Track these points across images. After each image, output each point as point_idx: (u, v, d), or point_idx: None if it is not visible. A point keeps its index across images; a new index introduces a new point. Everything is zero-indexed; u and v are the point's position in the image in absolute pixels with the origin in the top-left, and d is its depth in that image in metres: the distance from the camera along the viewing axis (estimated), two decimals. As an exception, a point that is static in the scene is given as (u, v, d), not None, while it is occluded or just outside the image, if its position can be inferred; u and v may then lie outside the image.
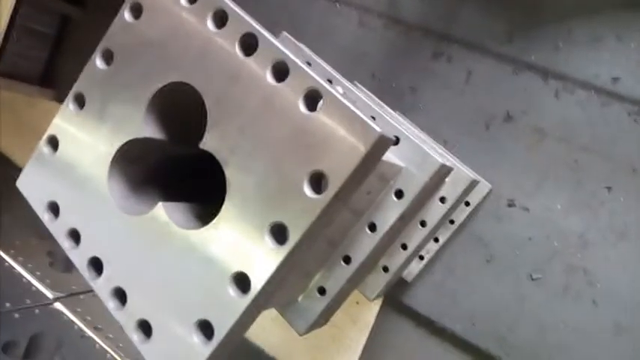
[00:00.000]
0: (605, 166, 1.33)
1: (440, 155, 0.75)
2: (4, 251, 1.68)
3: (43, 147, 0.59)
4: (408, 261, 1.10)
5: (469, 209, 1.39)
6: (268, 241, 0.47)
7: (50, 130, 0.59)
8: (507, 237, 1.41)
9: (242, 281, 0.48)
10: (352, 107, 0.45)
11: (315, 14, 1.67)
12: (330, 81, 0.78)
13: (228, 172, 0.49)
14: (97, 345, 1.48)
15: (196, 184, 0.57)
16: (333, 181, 0.45)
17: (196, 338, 0.49)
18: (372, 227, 0.74)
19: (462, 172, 1.05)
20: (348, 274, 0.75)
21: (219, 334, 0.48)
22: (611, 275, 1.31)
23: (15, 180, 0.61)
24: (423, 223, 1.08)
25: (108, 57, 0.56)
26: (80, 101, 0.57)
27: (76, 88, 0.58)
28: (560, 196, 1.37)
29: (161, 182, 0.61)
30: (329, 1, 1.67)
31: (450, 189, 1.06)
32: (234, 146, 0.49)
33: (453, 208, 1.10)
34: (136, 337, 0.52)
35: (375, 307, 1.55)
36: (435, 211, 1.07)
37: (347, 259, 0.76)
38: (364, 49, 1.60)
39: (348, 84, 0.85)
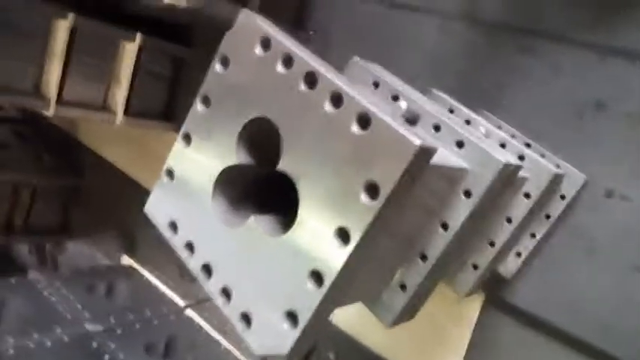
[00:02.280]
0: None
1: (504, 154, 0.80)
2: (141, 267, 1.95)
3: (163, 177, 0.74)
4: (497, 258, 1.14)
5: (565, 202, 1.38)
6: (335, 242, 0.57)
7: (167, 164, 0.74)
8: (607, 228, 1.38)
9: (317, 276, 0.58)
10: (395, 125, 0.54)
11: (398, 25, 1.75)
12: (396, 97, 0.87)
13: (300, 187, 0.60)
14: (223, 347, 1.67)
15: (280, 197, 0.68)
16: (384, 188, 0.54)
17: (285, 325, 0.60)
18: (445, 226, 0.81)
19: (545, 167, 1.07)
20: (425, 271, 0.83)
21: (303, 321, 0.58)
22: None
23: (144, 203, 0.77)
24: (509, 220, 1.11)
25: (206, 101, 0.70)
26: (187, 139, 0.72)
27: (184, 129, 0.72)
28: (663, 183, 1.31)
29: (254, 198, 0.73)
30: (410, 10, 1.74)
31: (534, 184, 1.08)
32: (303, 166, 0.60)
33: (541, 202, 1.12)
34: (240, 326, 0.64)
35: (477, 305, 1.58)
36: (519, 207, 1.10)
37: (423, 257, 0.83)
38: (448, 53, 1.64)
39: (418, 95, 0.93)
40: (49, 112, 1.82)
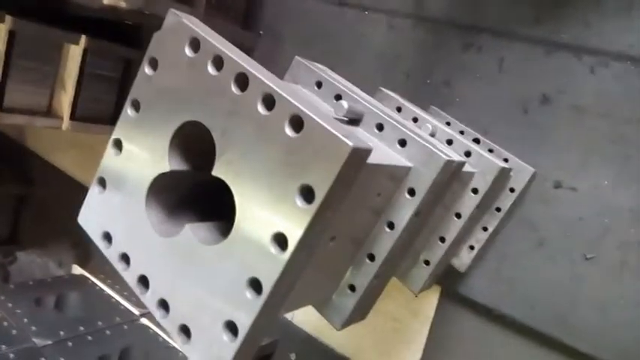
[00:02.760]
0: (652, 136, 1.30)
1: (447, 151, 0.80)
2: (94, 276, 1.88)
3: (95, 187, 0.71)
4: (448, 253, 1.15)
5: (514, 195, 1.40)
6: (272, 248, 0.55)
7: (99, 172, 0.71)
8: (557, 219, 1.41)
9: (256, 284, 0.56)
10: (328, 126, 0.53)
11: (347, 25, 1.75)
12: (339, 96, 0.86)
13: (236, 193, 0.58)
14: (181, 354, 1.62)
15: (219, 204, 0.66)
16: (319, 192, 0.53)
17: (225, 337, 0.58)
18: (391, 225, 0.81)
19: (491, 162, 1.08)
20: (374, 271, 0.82)
21: (243, 331, 0.57)
22: (669, 247, 1.28)
23: None
24: (458, 215, 1.12)
25: (136, 106, 0.67)
26: (119, 145, 0.69)
27: (114, 135, 0.69)
28: (607, 172, 1.35)
29: (191, 205, 0.71)
30: (358, 9, 1.74)
31: (481, 179, 1.09)
32: (238, 170, 0.58)
33: (489, 197, 1.13)
34: (179, 340, 0.62)
35: (434, 299, 1.59)
36: (467, 203, 1.10)
37: (371, 257, 0.82)
38: (396, 51, 1.65)
39: (362, 94, 0.92)
40: (-11, 119, 1.73)
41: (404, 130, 0.80)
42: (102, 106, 2.14)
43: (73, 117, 1.97)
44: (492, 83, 1.50)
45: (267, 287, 0.55)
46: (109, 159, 0.70)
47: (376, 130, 0.82)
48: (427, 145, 0.78)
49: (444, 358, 1.60)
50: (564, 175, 1.41)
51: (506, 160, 1.40)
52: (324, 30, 1.78)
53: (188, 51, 0.62)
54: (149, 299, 0.64)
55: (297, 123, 0.55)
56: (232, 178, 0.59)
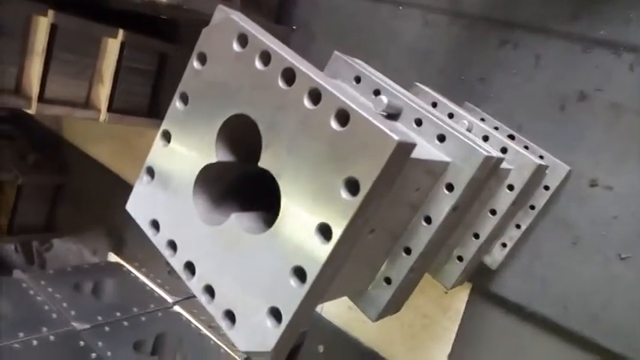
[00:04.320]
0: (692, 134, 1.27)
1: (486, 147, 0.80)
2: (129, 264, 1.94)
3: (143, 176, 0.74)
4: (481, 250, 1.15)
5: (549, 193, 1.39)
6: (317, 239, 0.57)
7: (147, 162, 0.73)
8: (592, 217, 1.39)
9: (300, 273, 0.58)
10: (374, 120, 0.54)
11: (381, 20, 1.75)
12: (377, 92, 0.87)
13: (281, 184, 0.60)
14: (212, 341, 1.66)
15: (264, 194, 0.68)
16: (364, 184, 0.54)
17: (269, 323, 0.60)
18: (428, 220, 0.81)
19: (527, 159, 1.08)
20: (410, 264, 0.83)
21: (286, 318, 0.58)
22: None
23: None
24: (492, 212, 1.12)
25: (184, 99, 0.70)
26: (167, 137, 0.71)
27: (163, 127, 0.72)
28: (645, 171, 1.33)
29: (236, 195, 0.73)
30: (392, 4, 1.74)
31: (517, 176, 1.09)
32: (284, 162, 0.60)
33: (524, 194, 1.13)
34: (224, 324, 0.64)
35: (464, 296, 1.59)
36: (503, 199, 1.10)
37: (407, 250, 0.83)
38: (431, 46, 1.64)
39: (400, 89, 0.93)
40: (31, 110, 1.79)
41: (443, 125, 0.80)
42: (138, 99, 2.19)
43: (110, 109, 2.02)
44: (528, 80, 1.49)
45: (311, 276, 0.57)
46: (158, 149, 0.72)
47: (415, 125, 0.83)
48: (467, 140, 0.78)
49: (473, 355, 1.60)
50: (600, 174, 1.39)
51: (541, 157, 1.39)
52: (358, 25, 1.79)
53: (236, 46, 0.64)
54: (195, 285, 0.67)
55: (343, 117, 0.56)
56: (278, 170, 0.60)
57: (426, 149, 0.79)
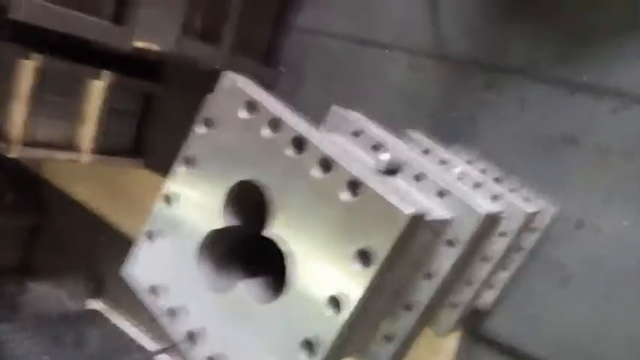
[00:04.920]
0: (675, 177, 1.31)
1: (485, 203, 0.81)
2: (110, 310, 1.88)
3: (143, 238, 0.72)
4: (475, 296, 1.15)
5: (537, 234, 1.41)
6: (328, 310, 0.56)
7: (148, 226, 0.72)
8: (580, 258, 1.41)
9: (310, 346, 0.57)
10: (386, 193, 0.54)
11: (367, 63, 1.78)
12: (376, 146, 0.87)
13: (289, 253, 0.59)
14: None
15: (270, 258, 0.67)
16: (377, 256, 0.54)
17: (279, 395, 0.58)
18: (429, 276, 0.82)
19: (518, 208, 1.09)
20: (411, 321, 0.83)
21: (297, 391, 0.57)
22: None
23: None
24: (485, 259, 1.13)
25: (189, 162, 0.69)
26: (169, 200, 0.70)
27: (166, 190, 0.71)
28: (631, 211, 1.36)
29: (242, 259, 0.72)
30: (379, 48, 1.77)
31: (509, 224, 1.10)
32: (292, 231, 0.59)
33: (515, 239, 1.14)
34: (230, 395, 0.62)
35: (455, 339, 1.58)
36: (495, 246, 1.11)
37: (408, 307, 0.83)
38: (418, 90, 1.67)
39: (397, 142, 0.94)
40: (14, 154, 1.76)
41: (442, 183, 0.81)
42: (122, 139, 2.17)
43: (93, 150, 2.00)
44: (514, 122, 1.52)
45: (322, 349, 0.56)
46: (159, 212, 0.71)
47: (414, 181, 0.84)
48: (466, 199, 0.79)
49: (466, 399, 1.58)
50: (587, 215, 1.41)
51: (528, 200, 1.41)
52: (345, 68, 1.82)
53: (244, 113, 0.65)
54: (197, 356, 0.65)
55: (354, 188, 0.56)
56: (286, 239, 0.60)
57: (428, 206, 0.79)
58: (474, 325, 1.54)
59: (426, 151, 1.19)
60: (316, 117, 1.77)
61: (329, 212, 0.57)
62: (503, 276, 1.44)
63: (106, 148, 2.08)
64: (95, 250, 2.43)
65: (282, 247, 0.60)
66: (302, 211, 0.59)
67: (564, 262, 1.43)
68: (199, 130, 0.68)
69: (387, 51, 1.75)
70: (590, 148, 1.40)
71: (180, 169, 0.70)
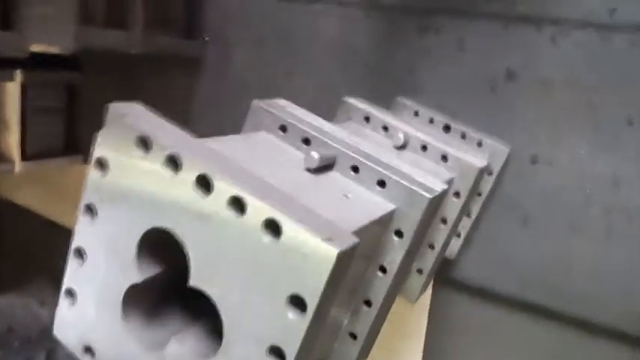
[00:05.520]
0: (620, 101, 1.29)
1: (428, 183, 0.76)
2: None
3: (63, 299, 0.65)
4: (438, 259, 1.13)
5: (493, 178, 1.38)
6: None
7: (64, 284, 0.65)
8: (538, 194, 1.40)
9: (258, 400, 0.52)
10: (309, 230, 0.48)
11: (297, 21, 1.66)
12: (306, 140, 0.80)
13: (218, 304, 0.53)
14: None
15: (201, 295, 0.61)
16: (311, 301, 0.49)
17: None
18: (383, 269, 0.77)
19: (469, 165, 1.05)
20: (373, 317, 0.79)
21: None
22: (651, 208, 1.28)
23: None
24: (444, 221, 1.10)
25: (91, 211, 0.61)
26: (80, 255, 0.63)
27: (73, 244, 0.63)
28: (581, 142, 1.34)
29: (180, 303, 0.66)
30: (306, 3, 1.65)
31: (462, 183, 1.06)
32: (216, 281, 0.53)
33: (470, 197, 1.11)
34: None
35: (428, 289, 1.58)
36: (451, 208, 1.08)
37: (368, 303, 0.79)
38: (353, 44, 1.58)
39: (331, 131, 0.87)
40: None
41: (381, 170, 0.75)
42: (53, 140, 2.03)
43: (24, 157, 1.86)
44: (455, 65, 1.46)
45: (270, 403, 0.51)
46: (73, 269, 0.64)
47: (352, 172, 0.78)
48: (408, 184, 0.74)
49: (446, 343, 1.61)
50: (540, 150, 1.39)
51: (480, 144, 1.37)
52: (274, 29, 1.70)
53: (138, 152, 0.56)
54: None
55: (274, 227, 0.50)
56: (210, 290, 0.54)
57: (367, 203, 0.74)
58: (443, 272, 1.54)
59: (367, 119, 1.12)
60: (249, 84, 1.67)
61: (251, 258, 0.51)
62: (466, 223, 1.42)
63: (37, 152, 1.95)
64: (55, 253, 2.34)
65: (210, 297, 0.54)
66: (222, 258, 0.53)
67: (524, 200, 1.42)
68: (94, 174, 0.59)
69: (315, 5, 1.63)
70: (533, 81, 1.36)
71: (83, 219, 0.61)
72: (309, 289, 0.48)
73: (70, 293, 0.65)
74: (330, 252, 0.47)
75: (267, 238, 0.50)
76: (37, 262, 2.52)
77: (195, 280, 0.55)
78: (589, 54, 1.28)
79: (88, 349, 0.64)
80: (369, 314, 0.79)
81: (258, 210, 0.50)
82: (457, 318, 1.57)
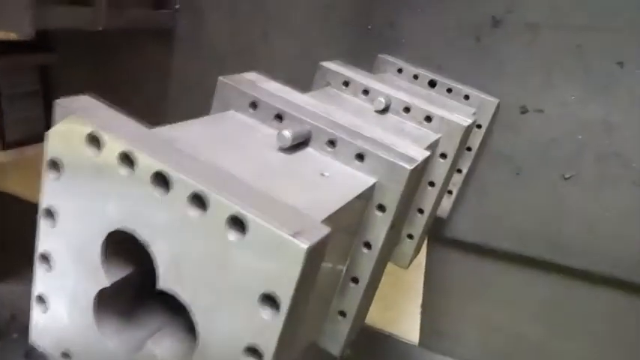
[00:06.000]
0: (610, 41, 1.23)
1: (410, 157, 0.73)
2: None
3: (34, 304, 0.63)
4: (428, 223, 1.10)
5: (482, 131, 1.35)
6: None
7: (34, 291, 0.62)
8: (529, 144, 1.37)
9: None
10: (276, 227, 0.45)
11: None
12: (279, 116, 0.76)
13: (190, 308, 0.51)
14: None
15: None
16: (283, 299, 0.46)
17: None
18: (368, 245, 0.75)
19: (454, 124, 1.01)
20: (360, 294, 0.77)
21: None
22: (645, 152, 1.25)
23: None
24: (431, 184, 1.06)
25: (51, 215, 0.58)
26: (47, 260, 0.60)
27: (39, 249, 0.60)
28: (571, 87, 1.29)
29: (153, 302, 0.63)
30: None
31: (448, 143, 1.02)
32: (184, 283, 0.50)
33: (457, 157, 1.07)
34: None
35: (423, 248, 1.57)
36: (438, 169, 1.04)
37: (355, 280, 0.77)
38: (330, 3, 1.51)
39: (304, 103, 0.82)
40: None
41: (358, 143, 0.72)
42: (33, 124, 1.97)
43: (4, 147, 1.81)
44: (437, 14, 1.39)
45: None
46: (41, 274, 0.61)
47: (328, 148, 0.74)
48: (387, 157, 0.70)
49: (443, 300, 1.61)
50: (529, 98, 1.35)
51: (467, 97, 1.33)
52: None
53: (90, 150, 0.52)
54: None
55: (239, 224, 0.46)
56: (181, 291, 0.51)
57: (346, 180, 0.70)
58: (437, 231, 1.52)
59: (346, 84, 1.07)
60: (224, 51, 1.60)
61: (218, 257, 0.48)
62: (457, 179, 1.39)
63: (19, 139, 1.90)
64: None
65: (181, 299, 0.51)
66: (188, 259, 0.50)
67: (514, 152, 1.38)
68: (49, 175, 0.56)
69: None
70: (519, 27, 1.30)
71: (44, 223, 0.58)
72: (280, 287, 0.46)
73: (41, 299, 0.62)
74: (300, 247, 0.44)
75: (232, 235, 0.47)
76: (30, 249, 2.49)
77: (163, 283, 0.52)
78: (575, -6, 1.22)
79: (66, 355, 0.62)
80: (356, 291, 0.77)
81: (221, 206, 0.47)
82: (453, 275, 1.57)
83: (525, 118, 1.34)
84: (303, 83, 1.09)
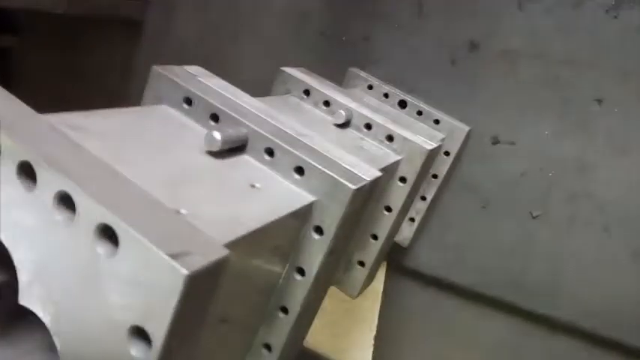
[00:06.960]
0: (590, 76, 1.18)
1: (355, 175, 0.64)
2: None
3: None
4: (382, 250, 1.02)
5: (450, 158, 1.27)
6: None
7: None
8: (498, 177, 1.30)
9: None
10: (153, 243, 0.36)
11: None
12: (215, 116, 0.67)
13: (53, 332, 0.41)
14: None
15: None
16: (155, 336, 0.36)
17: None
18: (301, 271, 0.66)
19: (416, 146, 0.93)
20: (289, 325, 0.68)
21: None
22: (618, 196, 1.19)
23: None
24: (388, 209, 0.98)
25: None
26: None
27: None
28: (547, 120, 1.23)
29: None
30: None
31: (408, 167, 0.94)
32: (48, 302, 0.41)
33: (418, 182, 0.99)
34: None
35: (381, 275, 1.49)
36: (397, 194, 0.96)
37: (284, 309, 0.68)
38: (304, 8, 1.43)
39: (246, 105, 0.74)
40: None
41: (299, 154, 0.63)
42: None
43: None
44: (413, 33, 1.33)
45: None
46: None
47: (266, 157, 0.65)
48: (329, 172, 0.61)
49: (398, 332, 1.52)
50: (502, 129, 1.28)
51: (437, 122, 1.26)
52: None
53: (-51, 129, 0.42)
54: None
55: (111, 235, 0.37)
56: (42, 311, 0.41)
57: (280, 194, 0.61)
58: (396, 259, 1.44)
59: (307, 92, 0.99)
60: (192, 49, 1.51)
61: (87, 273, 0.38)
62: (421, 207, 1.31)
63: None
64: None
65: (43, 320, 0.42)
66: (53, 272, 0.40)
67: (481, 184, 1.31)
68: None
69: (263, -37, 1.48)
70: (497, 53, 1.24)
71: None
72: (151, 321, 0.36)
73: None
74: (179, 273, 0.35)
75: (101, 248, 0.37)
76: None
77: (24, 298, 0.42)
78: (559, 22, 1.16)
79: None
80: (285, 322, 0.68)
81: (91, 210, 0.37)
82: (411, 307, 1.48)
83: (496, 149, 1.28)
84: (270, 89, 1.01)
